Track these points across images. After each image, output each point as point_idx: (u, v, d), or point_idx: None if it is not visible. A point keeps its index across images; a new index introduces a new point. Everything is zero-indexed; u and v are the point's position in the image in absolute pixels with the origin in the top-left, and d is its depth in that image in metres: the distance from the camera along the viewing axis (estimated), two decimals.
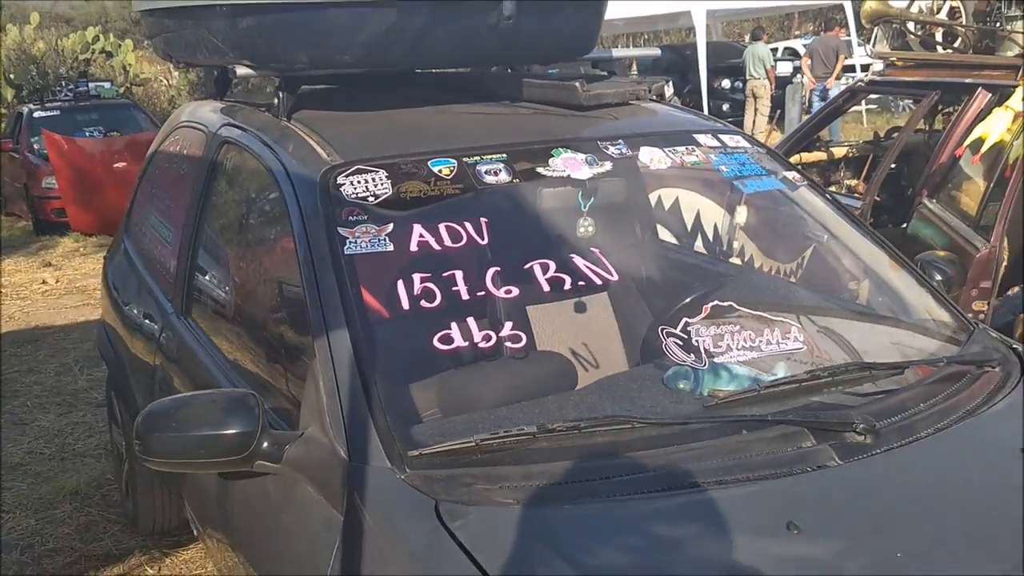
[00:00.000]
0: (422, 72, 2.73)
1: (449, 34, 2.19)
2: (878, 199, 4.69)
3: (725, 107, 15.32)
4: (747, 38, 16.07)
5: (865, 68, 13.58)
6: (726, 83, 15.61)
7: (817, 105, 11.71)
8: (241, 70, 2.36)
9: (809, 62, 12.40)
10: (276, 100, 2.37)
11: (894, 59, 4.40)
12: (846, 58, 11.65)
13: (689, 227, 3.15)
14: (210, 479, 2.21)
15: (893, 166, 4.79)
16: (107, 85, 11.41)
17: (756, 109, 13.72)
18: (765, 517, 1.46)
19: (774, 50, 16.64)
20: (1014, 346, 2.11)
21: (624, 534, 1.44)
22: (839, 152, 4.97)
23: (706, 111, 13.04)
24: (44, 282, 7.70)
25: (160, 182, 3.13)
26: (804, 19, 29.15)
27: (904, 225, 4.09)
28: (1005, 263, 3.38)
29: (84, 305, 6.88)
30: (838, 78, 11.77)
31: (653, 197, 3.00)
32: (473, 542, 1.41)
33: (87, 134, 10.34)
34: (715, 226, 3.04)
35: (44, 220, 9.78)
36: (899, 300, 2.23)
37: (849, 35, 13.68)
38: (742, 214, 2.72)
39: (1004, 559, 1.43)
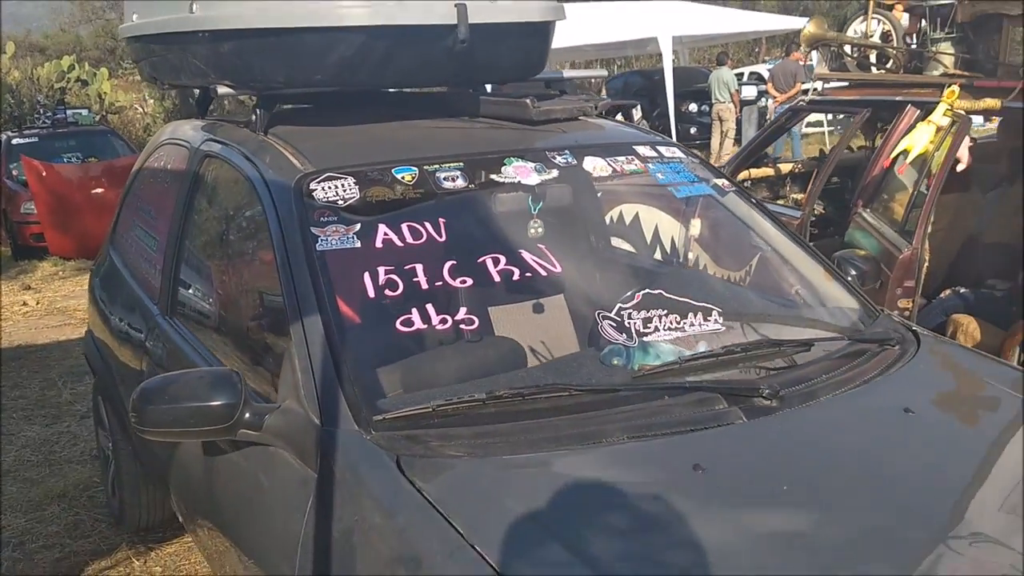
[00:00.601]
0: (388, 91, 2.98)
1: (411, 56, 2.45)
2: (824, 212, 4.99)
3: (692, 130, 15.74)
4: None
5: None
6: (693, 107, 16.04)
7: None
8: (222, 89, 2.60)
9: (772, 86, 12.87)
10: (254, 117, 2.61)
11: (834, 80, 4.73)
12: (803, 82, 12.05)
13: (648, 240, 3.40)
14: (195, 469, 2.43)
15: (836, 180, 5.10)
16: (85, 112, 11.62)
17: (723, 132, 14.14)
18: (676, 461, 1.71)
19: (740, 75, 17.11)
20: (913, 328, 2.38)
21: (556, 476, 1.68)
22: (785, 168, 5.27)
23: (674, 134, 13.42)
24: (25, 304, 7.85)
25: (145, 196, 3.35)
26: (771, 44, 29.78)
27: None
28: (927, 263, 3.67)
29: (64, 325, 7.04)
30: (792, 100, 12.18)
31: (615, 213, 3.26)
32: (429, 488, 1.64)
33: (65, 160, 10.52)
34: (672, 238, 3.30)
35: (23, 245, 9.94)
36: (814, 289, 2.50)
37: (811, 60, 14.11)
38: (696, 226, 2.98)
39: (878, 494, 1.68)
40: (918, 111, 4.11)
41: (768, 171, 5.19)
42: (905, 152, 3.86)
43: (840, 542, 1.54)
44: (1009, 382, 2.14)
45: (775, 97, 12.63)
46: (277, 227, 2.20)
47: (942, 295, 4.38)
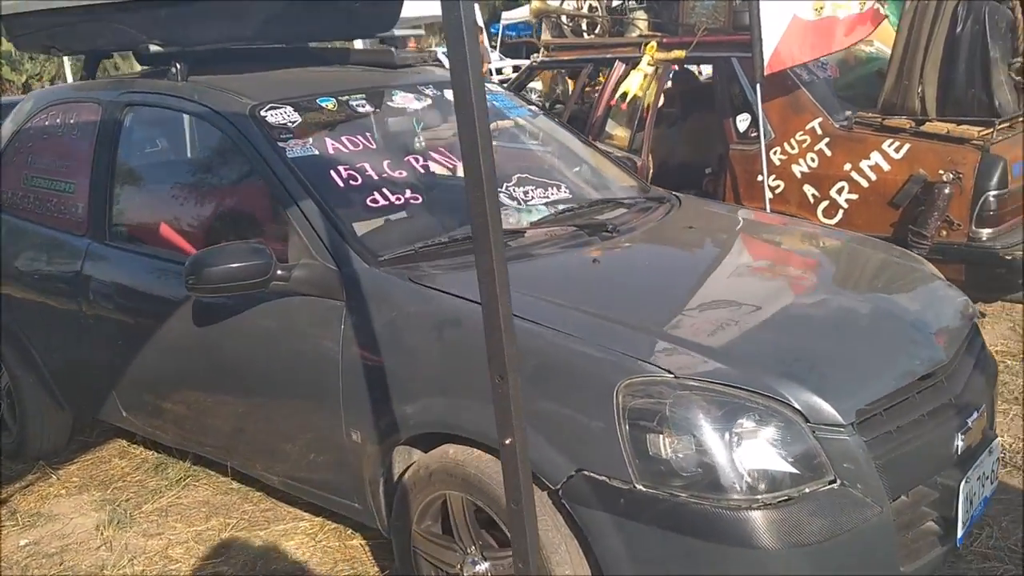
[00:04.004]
0: (273, 47, 3.68)
1: (320, 15, 3.24)
2: None
3: None
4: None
5: (499, 71, 15.80)
6: None
7: None
8: (154, 48, 3.21)
9: None
10: (174, 69, 3.24)
11: (557, 45, 5.98)
12: (488, 63, 13.55)
13: None
14: (181, 358, 3.08)
15: None
16: None
17: None
18: (580, 259, 2.76)
19: None
20: (675, 194, 3.60)
21: (513, 271, 2.63)
22: None
23: None
24: None
25: (41, 151, 3.72)
26: (431, 32, 31.66)
27: None
28: (651, 170, 5.02)
29: None
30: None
31: None
32: (442, 286, 2.53)
33: None
34: None
35: None
36: (607, 175, 3.64)
37: (486, 43, 15.70)
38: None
39: (676, 265, 2.87)
40: (624, 64, 5.45)
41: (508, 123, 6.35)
42: (624, 94, 5.17)
43: (655, 283, 2.71)
44: (727, 209, 3.44)
45: None
46: (249, 145, 2.92)
47: None
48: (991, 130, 4.31)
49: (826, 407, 2.14)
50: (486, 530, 2.46)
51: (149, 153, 3.43)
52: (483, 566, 2.44)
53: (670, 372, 2.15)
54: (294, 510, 3.42)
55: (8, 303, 3.77)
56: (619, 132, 5.33)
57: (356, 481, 2.72)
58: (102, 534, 3.34)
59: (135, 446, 4.07)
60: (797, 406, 2.13)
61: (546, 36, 6.05)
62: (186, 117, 3.19)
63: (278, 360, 2.82)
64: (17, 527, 3.46)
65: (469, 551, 2.46)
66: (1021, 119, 4.58)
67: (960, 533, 2.35)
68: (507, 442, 1.55)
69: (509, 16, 24.76)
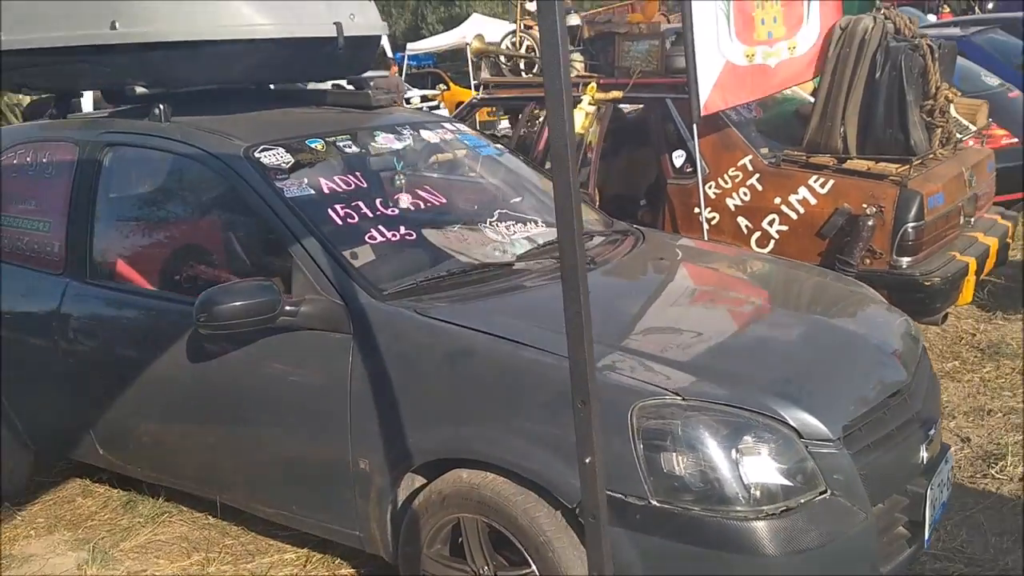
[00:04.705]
0: (250, 88, 3.76)
1: (303, 59, 3.35)
2: None
3: None
4: None
5: (408, 100, 15.97)
6: None
7: None
8: (139, 89, 3.26)
9: None
10: (157, 110, 3.29)
11: (495, 83, 6.20)
12: (404, 92, 13.75)
13: None
14: (172, 397, 3.12)
15: None
16: None
17: None
18: None
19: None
20: (636, 227, 3.83)
21: (509, 301, 2.80)
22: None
23: None
24: None
25: (10, 190, 3.68)
26: None
27: None
28: (598, 201, 5.26)
29: None
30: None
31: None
32: (448, 317, 2.67)
33: None
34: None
35: None
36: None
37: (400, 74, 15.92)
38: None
39: (652, 290, 3.10)
40: None
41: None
42: None
43: (646, 311, 2.93)
44: (686, 241, 3.71)
45: None
46: (247, 186, 3.01)
47: None
48: (908, 167, 4.71)
49: (817, 424, 2.37)
50: (496, 550, 2.60)
51: (131, 192, 3.45)
52: None
53: (677, 394, 2.35)
54: (276, 543, 3.46)
55: None
56: None
57: (359, 509, 2.81)
58: (85, 573, 3.32)
59: (98, 484, 4.03)
60: (792, 424, 2.35)
61: (485, 74, 6.25)
62: (171, 157, 3.23)
63: (280, 392, 2.90)
64: None
65: (483, 572, 2.59)
66: (933, 156, 5.01)
67: (927, 535, 2.61)
68: (587, 461, 1.71)
69: (413, 47, 25.10)
